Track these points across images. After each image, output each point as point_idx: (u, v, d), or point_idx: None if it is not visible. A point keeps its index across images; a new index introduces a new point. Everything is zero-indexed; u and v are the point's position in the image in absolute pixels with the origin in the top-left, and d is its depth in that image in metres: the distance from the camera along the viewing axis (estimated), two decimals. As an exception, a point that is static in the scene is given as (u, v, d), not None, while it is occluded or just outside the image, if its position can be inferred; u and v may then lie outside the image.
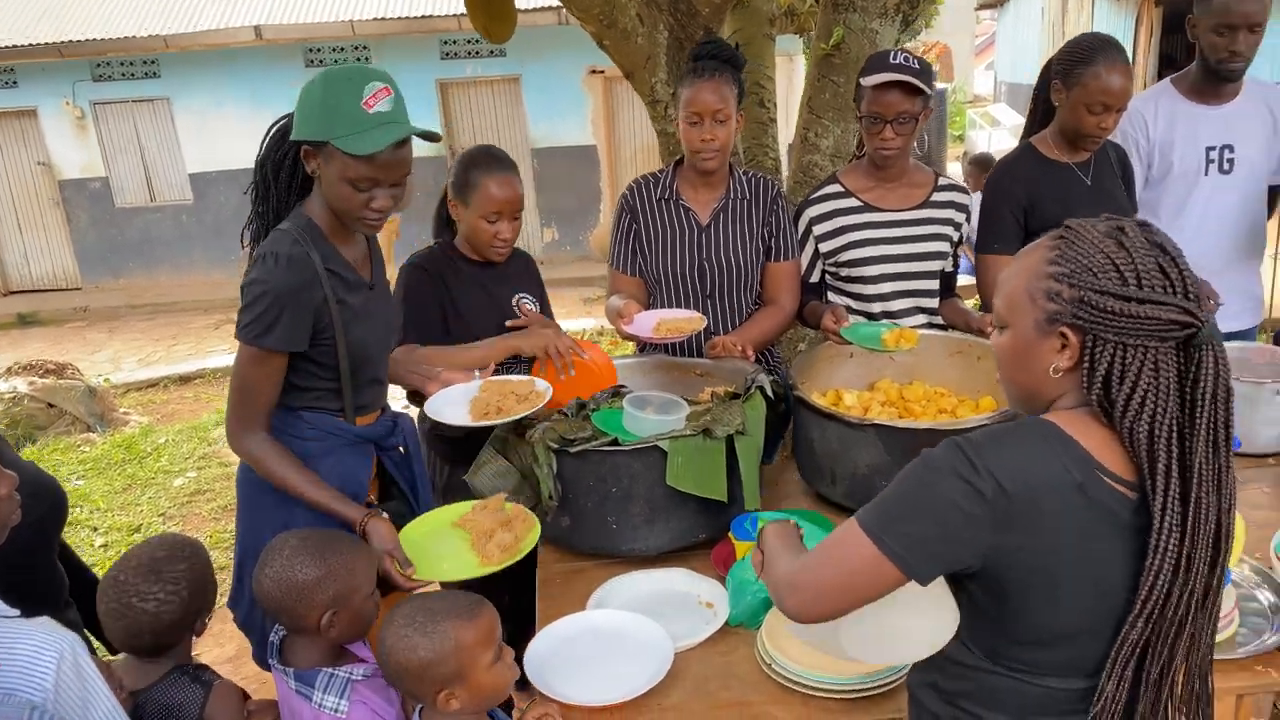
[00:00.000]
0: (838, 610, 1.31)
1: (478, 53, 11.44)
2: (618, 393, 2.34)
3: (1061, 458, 1.20)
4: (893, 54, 2.55)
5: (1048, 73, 2.69)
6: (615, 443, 2.10)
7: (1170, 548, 1.18)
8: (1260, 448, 2.53)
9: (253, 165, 2.08)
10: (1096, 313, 1.19)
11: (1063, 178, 2.67)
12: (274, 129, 2.06)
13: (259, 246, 2.01)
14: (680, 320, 2.56)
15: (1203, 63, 2.87)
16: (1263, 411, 2.51)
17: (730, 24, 4.64)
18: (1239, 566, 2.01)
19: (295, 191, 2.07)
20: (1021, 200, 2.67)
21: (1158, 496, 1.18)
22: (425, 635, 1.59)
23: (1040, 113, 2.79)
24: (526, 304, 2.68)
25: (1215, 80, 2.86)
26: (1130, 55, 12.99)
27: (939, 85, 15.40)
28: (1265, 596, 1.97)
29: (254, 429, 2.01)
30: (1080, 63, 2.55)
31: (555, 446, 2.09)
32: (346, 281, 2.03)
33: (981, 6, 19.35)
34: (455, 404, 2.21)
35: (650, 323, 2.55)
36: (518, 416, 2.15)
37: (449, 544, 2.02)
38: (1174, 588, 1.20)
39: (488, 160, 2.53)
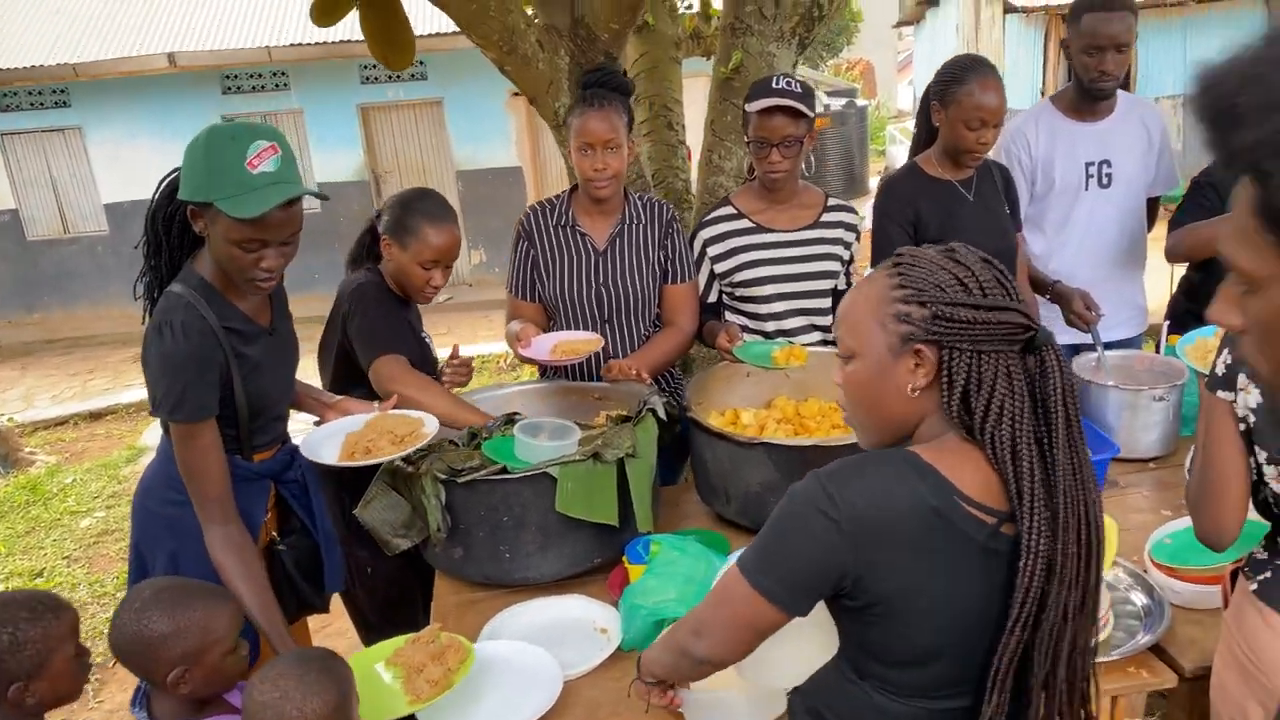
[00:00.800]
0: (748, 647, 1.36)
1: (398, 76, 11.37)
2: (511, 420, 2.34)
3: (918, 484, 1.22)
4: (775, 79, 2.61)
5: (928, 96, 2.77)
6: (505, 471, 2.09)
7: (1041, 550, 1.21)
8: (1141, 452, 2.62)
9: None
10: (952, 325, 1.23)
11: (946, 194, 2.74)
12: (164, 183, 2.03)
13: (154, 314, 1.98)
14: (577, 342, 2.57)
15: (1077, 82, 2.97)
16: (1143, 417, 2.60)
17: (635, 48, 4.68)
18: (1114, 569, 2.07)
19: (187, 246, 2.05)
20: (909, 217, 2.74)
21: (1025, 499, 1.21)
22: (168, 612, 1.62)
23: (924, 134, 2.86)
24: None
25: (1090, 98, 2.96)
26: (1040, 69, 13.41)
27: (861, 102, 15.74)
28: (1139, 598, 2.04)
29: (215, 520, 1.97)
30: (954, 82, 2.63)
31: (443, 477, 2.08)
32: (244, 334, 2.02)
33: (900, 24, 19.79)
34: (333, 438, 2.18)
35: (548, 345, 2.55)
36: (380, 460, 2.11)
37: (379, 684, 1.88)
38: (1049, 593, 1.23)
39: (429, 207, 2.52)
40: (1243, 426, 1.63)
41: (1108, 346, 2.89)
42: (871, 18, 23.16)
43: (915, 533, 1.21)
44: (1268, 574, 1.69)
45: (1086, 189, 3.00)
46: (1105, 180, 2.99)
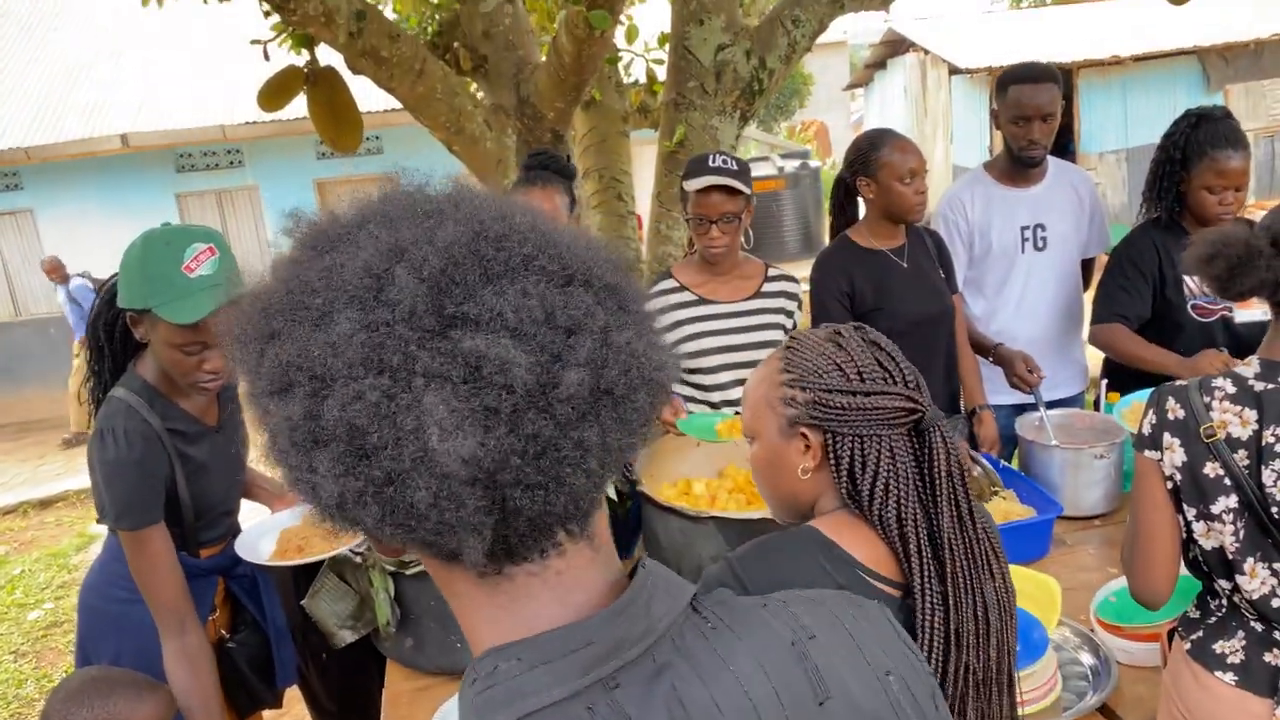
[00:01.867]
0: None
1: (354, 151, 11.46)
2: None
3: (823, 563, 1.23)
4: (711, 157, 2.66)
5: (842, 182, 2.83)
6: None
7: (936, 625, 1.22)
8: (1086, 510, 2.65)
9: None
10: (829, 410, 1.26)
11: (880, 264, 2.79)
12: (104, 289, 2.04)
13: (97, 420, 1.97)
14: None
15: (1007, 150, 3.07)
16: (1085, 475, 2.63)
17: (583, 123, 4.77)
18: (1060, 630, 2.09)
19: (130, 350, 2.05)
20: (844, 289, 2.78)
21: (916, 576, 1.22)
22: (89, 703, 1.59)
23: (840, 216, 2.92)
24: None
25: (1020, 166, 3.05)
26: (987, 128, 13.75)
27: (814, 163, 16.05)
28: (1086, 658, 2.05)
29: (172, 632, 1.95)
30: (872, 149, 2.71)
31: (391, 569, 2.06)
32: (188, 435, 2.01)
33: (849, 87, 20.30)
34: (269, 534, 2.17)
35: None
36: (314, 559, 2.09)
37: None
38: (947, 668, 1.24)
39: None
40: (1170, 485, 1.67)
41: (1051, 405, 2.94)
42: (824, 79, 23.75)
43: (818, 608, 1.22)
44: (1200, 633, 1.72)
45: (1023, 252, 3.08)
46: (1041, 243, 3.07)
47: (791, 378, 1.30)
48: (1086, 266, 3.26)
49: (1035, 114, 2.91)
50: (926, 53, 14.57)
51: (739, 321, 2.78)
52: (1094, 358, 3.47)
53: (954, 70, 13.49)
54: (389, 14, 5.85)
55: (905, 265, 2.81)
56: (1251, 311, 2.78)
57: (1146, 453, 1.69)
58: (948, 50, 13.85)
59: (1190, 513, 1.65)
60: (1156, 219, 2.91)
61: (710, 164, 2.65)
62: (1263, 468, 1.54)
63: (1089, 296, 3.25)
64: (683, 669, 0.68)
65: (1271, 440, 1.54)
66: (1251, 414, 1.57)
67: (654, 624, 0.69)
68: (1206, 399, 1.62)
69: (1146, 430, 1.69)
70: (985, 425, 2.85)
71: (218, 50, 11.64)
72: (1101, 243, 3.23)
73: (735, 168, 2.65)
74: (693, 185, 2.65)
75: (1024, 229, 3.06)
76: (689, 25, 3.76)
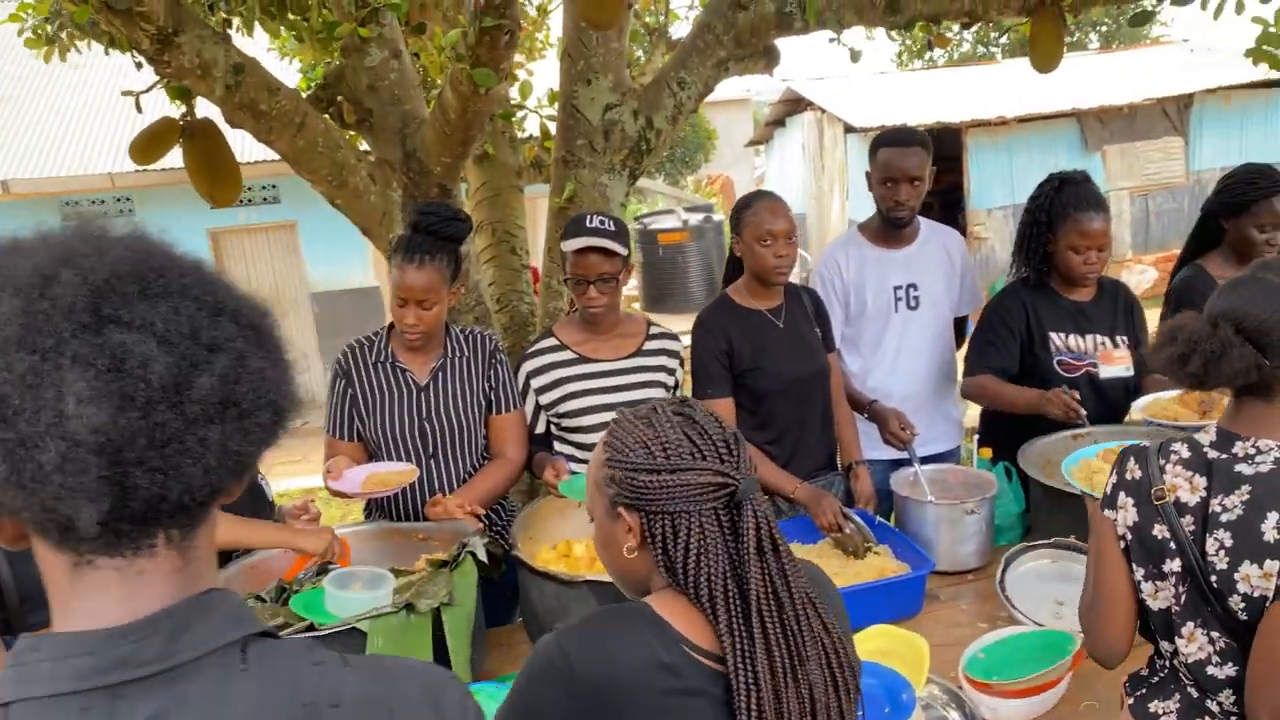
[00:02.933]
0: None
1: (250, 200, 11.23)
2: (324, 570, 2.25)
3: (651, 640, 1.23)
4: (589, 218, 2.68)
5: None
6: (311, 628, 2.00)
7: (752, 705, 1.20)
8: (959, 565, 2.70)
9: None
10: (635, 489, 1.27)
11: (757, 323, 2.83)
12: None
13: None
14: (390, 474, 2.52)
15: (878, 211, 3.15)
16: (958, 530, 2.69)
17: (476, 176, 4.76)
18: (928, 687, 2.10)
19: None
20: (723, 347, 2.80)
21: (730, 655, 1.22)
22: None
23: (732, 266, 2.97)
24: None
25: (890, 226, 3.15)
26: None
27: (717, 217, 16.33)
28: (955, 717, 2.07)
29: None
30: (743, 210, 2.78)
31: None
32: None
33: (751, 144, 20.78)
34: None
35: (359, 478, 2.49)
36: None
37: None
38: None
39: None
40: (1123, 545, 1.71)
41: (926, 460, 3.01)
42: (729, 134, 24.26)
43: (649, 694, 1.21)
44: (1143, 691, 1.76)
45: (896, 311, 3.16)
46: (913, 303, 3.16)
47: (608, 458, 1.32)
48: (959, 325, 3.36)
49: (902, 176, 3.01)
50: (823, 112, 15.03)
51: (619, 380, 2.77)
52: (969, 413, 3.56)
53: (849, 129, 13.92)
54: (292, 68, 5.78)
55: (781, 325, 2.86)
56: (1115, 368, 2.90)
57: (1106, 512, 1.74)
58: (843, 109, 14.31)
59: (1139, 573, 1.69)
60: (1025, 279, 3.03)
61: (588, 225, 2.66)
62: (1207, 535, 1.57)
63: (962, 354, 3.35)
64: (187, 698, 0.76)
65: (1218, 509, 1.56)
66: (1201, 480, 1.60)
67: (173, 652, 0.76)
68: (1163, 462, 1.66)
69: (1108, 490, 1.74)
70: (861, 481, 2.89)
71: (107, 97, 11.35)
72: (972, 301, 3.34)
73: (613, 229, 2.67)
74: (570, 246, 2.66)
75: (897, 288, 3.15)
76: (577, 85, 3.79)
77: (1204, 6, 4.13)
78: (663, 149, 3.96)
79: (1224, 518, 1.55)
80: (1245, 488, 1.54)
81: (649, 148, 3.83)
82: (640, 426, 1.31)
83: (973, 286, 3.33)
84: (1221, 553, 1.54)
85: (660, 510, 1.26)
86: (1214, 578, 1.55)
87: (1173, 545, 1.60)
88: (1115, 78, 14.91)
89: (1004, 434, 3.03)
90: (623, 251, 2.66)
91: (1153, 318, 3.21)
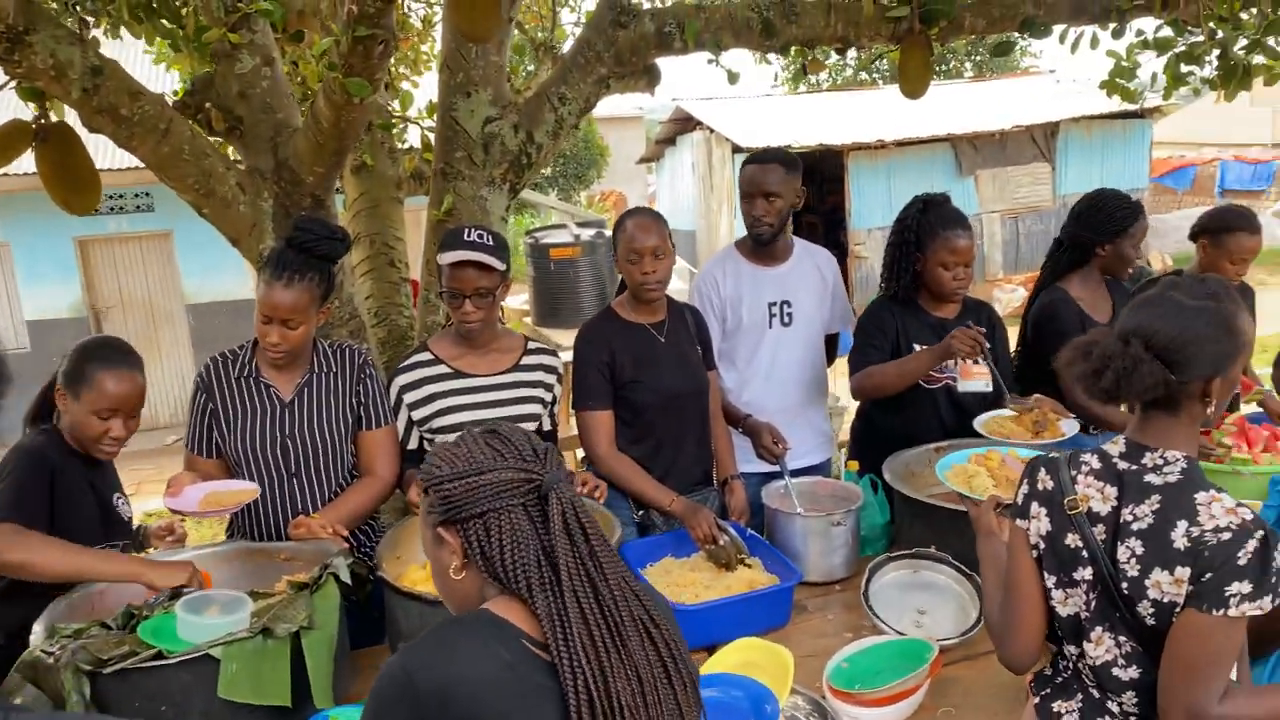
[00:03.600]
0: None
1: (123, 208, 10.77)
2: (178, 594, 2.16)
3: (491, 641, 1.26)
4: (466, 231, 2.65)
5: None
6: (161, 655, 1.92)
7: (581, 689, 1.24)
8: (827, 575, 2.76)
9: None
10: (447, 500, 1.33)
11: (640, 337, 2.86)
12: None
13: None
14: (228, 493, 2.44)
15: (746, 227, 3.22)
16: (826, 541, 2.75)
17: (354, 187, 4.67)
18: (792, 698, 2.14)
19: None
20: (605, 359, 2.82)
21: (552, 639, 1.26)
22: None
23: (622, 283, 2.99)
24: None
25: (759, 243, 3.21)
26: (766, 204, 14.43)
27: (609, 232, 16.38)
28: (818, 727, 2.11)
29: None
30: (617, 228, 2.82)
31: (87, 668, 1.88)
32: None
33: (641, 161, 20.93)
34: None
35: (197, 496, 2.41)
36: None
37: None
38: None
39: (108, 353, 2.37)
40: (1035, 553, 1.76)
41: (798, 473, 3.07)
42: (622, 150, 24.38)
43: (496, 695, 1.23)
44: (1048, 690, 1.82)
45: (771, 327, 3.22)
46: (787, 319, 3.23)
47: (425, 485, 1.37)
48: (830, 342, 3.45)
49: (758, 191, 3.10)
50: (712, 131, 15.26)
51: (495, 395, 2.75)
52: (843, 427, 3.65)
53: (736, 148, 14.18)
54: (171, 77, 5.55)
55: (664, 340, 2.89)
56: (973, 383, 3.01)
57: (1019, 522, 1.79)
58: (730, 129, 14.57)
59: (1050, 580, 1.74)
60: (894, 295, 3.13)
61: (465, 238, 2.64)
62: (1118, 544, 1.63)
63: (833, 370, 3.44)
64: None
65: (1130, 518, 1.63)
66: (1112, 490, 1.67)
67: None
68: (1074, 472, 1.73)
69: (1020, 500, 1.80)
70: (736, 495, 2.93)
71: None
72: (844, 319, 3.43)
73: (491, 243, 2.65)
74: (446, 259, 2.63)
75: (771, 305, 3.21)
76: (456, 97, 3.76)
77: (1062, 40, 4.36)
78: (544, 163, 3.96)
79: (1135, 526, 1.62)
80: (1155, 497, 1.62)
81: (530, 162, 3.82)
82: (447, 449, 1.39)
83: (844, 304, 3.42)
84: (1133, 560, 1.62)
85: (471, 515, 1.31)
86: (1125, 585, 1.63)
87: (1085, 554, 1.67)
88: (988, 106, 15.58)
89: (872, 447, 3.12)
90: (500, 266, 2.64)
91: (1012, 335, 3.36)
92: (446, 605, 1.44)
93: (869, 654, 2.27)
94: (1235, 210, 3.41)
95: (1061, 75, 17.07)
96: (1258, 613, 1.53)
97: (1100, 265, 3.28)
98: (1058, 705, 1.78)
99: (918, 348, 3.06)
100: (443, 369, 2.74)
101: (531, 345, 2.87)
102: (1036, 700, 1.83)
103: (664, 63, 3.96)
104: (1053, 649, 1.85)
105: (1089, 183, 14.94)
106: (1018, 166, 14.88)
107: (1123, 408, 2.17)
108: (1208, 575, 1.53)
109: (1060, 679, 1.81)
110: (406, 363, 2.77)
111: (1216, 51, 4.45)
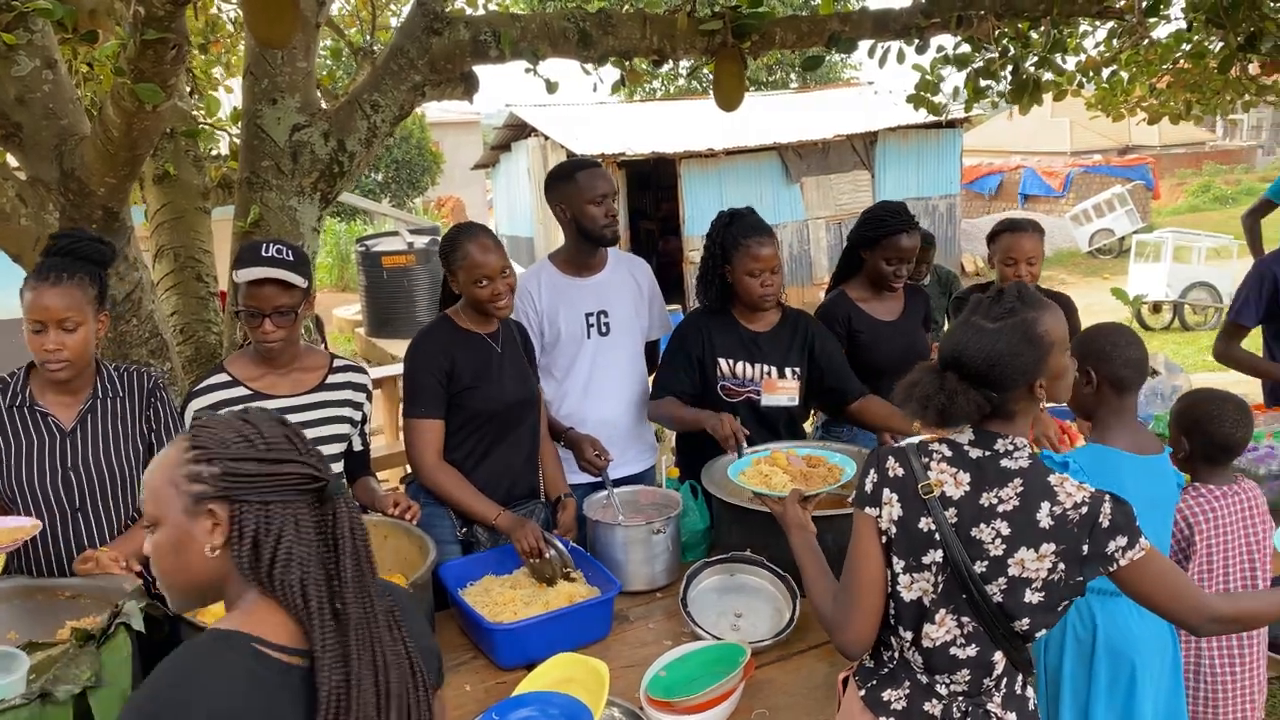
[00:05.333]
0: None
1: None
2: (-62, 648, 1.96)
3: (226, 654, 1.24)
4: (265, 246, 2.53)
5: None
6: (-86, 719, 1.74)
7: (336, 683, 1.26)
8: (649, 584, 2.77)
9: None
10: (239, 478, 1.30)
11: (478, 346, 2.83)
12: None
13: None
14: (2, 530, 2.25)
15: (576, 237, 3.20)
16: (647, 550, 2.76)
17: (156, 198, 4.42)
18: (608, 709, 2.13)
19: None
20: (444, 366, 2.77)
21: (316, 640, 1.27)
22: None
23: (447, 291, 2.94)
24: None
25: (582, 253, 3.21)
26: (601, 211, 14.56)
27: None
28: (634, 738, 2.11)
29: None
30: (453, 249, 2.76)
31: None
32: None
33: (476, 167, 20.68)
34: None
35: None
36: None
37: None
38: None
39: None
40: (884, 539, 1.81)
41: (622, 481, 3.08)
42: (459, 156, 24.03)
43: (226, 704, 1.21)
44: (874, 681, 1.87)
45: (589, 338, 3.22)
46: (604, 329, 3.23)
47: (200, 454, 1.31)
48: (651, 350, 3.48)
49: (612, 191, 3.14)
50: (546, 138, 15.24)
51: (299, 417, 2.63)
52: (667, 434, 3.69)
53: (571, 156, 14.20)
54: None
55: (500, 350, 2.85)
56: (776, 397, 3.11)
57: (866, 509, 1.83)
58: (564, 137, 14.60)
59: (899, 565, 1.80)
60: (708, 308, 3.18)
61: (263, 254, 2.52)
62: (978, 526, 1.73)
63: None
64: None
65: (993, 501, 1.73)
66: (965, 476, 1.76)
67: None
68: (925, 459, 1.80)
69: (868, 488, 1.84)
70: (566, 511, 2.92)
71: None
72: (662, 327, 3.47)
73: (291, 258, 2.54)
74: (244, 276, 2.50)
75: (589, 315, 3.21)
76: (261, 104, 3.60)
77: (871, 55, 4.56)
78: (358, 173, 3.84)
79: (1001, 509, 1.73)
80: (1017, 481, 1.74)
81: (342, 171, 3.70)
82: (238, 423, 1.35)
83: (661, 312, 3.46)
84: (998, 541, 1.72)
85: (259, 500, 1.29)
86: (983, 565, 1.72)
87: (937, 537, 1.75)
88: (812, 116, 16.19)
89: (692, 454, 3.17)
90: (302, 283, 2.54)
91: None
92: (165, 588, 1.38)
93: (685, 661, 2.29)
94: (1008, 219, 3.63)
95: (880, 87, 17.89)
96: (1141, 554, 1.73)
97: (865, 273, 3.44)
98: (886, 694, 1.85)
99: (721, 361, 3.13)
100: (241, 391, 2.60)
101: (338, 363, 2.77)
102: (862, 692, 1.88)
103: (501, 66, 3.91)
104: (875, 641, 1.91)
105: (906, 189, 15.77)
106: (840, 174, 15.51)
107: None
108: (1085, 547, 1.70)
109: (886, 669, 1.88)
110: (201, 385, 2.62)
111: (1010, 67, 4.77)
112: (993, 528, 1.73)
